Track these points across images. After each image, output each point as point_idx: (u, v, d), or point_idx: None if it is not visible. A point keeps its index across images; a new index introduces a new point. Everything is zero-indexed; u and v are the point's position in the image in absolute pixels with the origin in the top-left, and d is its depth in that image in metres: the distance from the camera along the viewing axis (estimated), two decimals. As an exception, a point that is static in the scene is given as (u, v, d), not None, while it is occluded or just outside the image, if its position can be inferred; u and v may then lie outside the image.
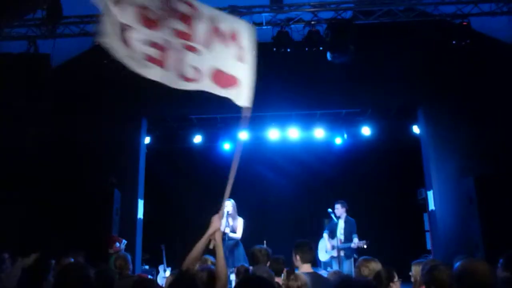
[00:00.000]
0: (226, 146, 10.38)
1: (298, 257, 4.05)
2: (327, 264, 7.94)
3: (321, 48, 6.64)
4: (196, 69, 3.11)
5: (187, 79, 3.11)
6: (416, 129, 8.99)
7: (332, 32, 6.55)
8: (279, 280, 3.72)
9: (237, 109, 9.33)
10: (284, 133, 10.07)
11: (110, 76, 7.40)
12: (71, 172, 7.07)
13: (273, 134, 10.05)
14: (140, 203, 8.23)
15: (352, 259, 7.32)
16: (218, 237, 2.98)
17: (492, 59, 7.61)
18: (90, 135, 7.56)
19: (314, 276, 3.83)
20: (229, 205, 7.71)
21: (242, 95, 3.15)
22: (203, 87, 3.16)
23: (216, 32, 3.13)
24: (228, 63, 3.15)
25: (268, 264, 4.32)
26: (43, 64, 6.02)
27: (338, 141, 10.52)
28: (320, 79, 7.94)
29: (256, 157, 10.63)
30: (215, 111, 9.14)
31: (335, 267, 7.25)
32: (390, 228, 10.08)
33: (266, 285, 2.56)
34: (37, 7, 6.05)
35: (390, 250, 8.51)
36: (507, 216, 6.36)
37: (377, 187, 10.52)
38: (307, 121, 9.98)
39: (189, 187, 10.23)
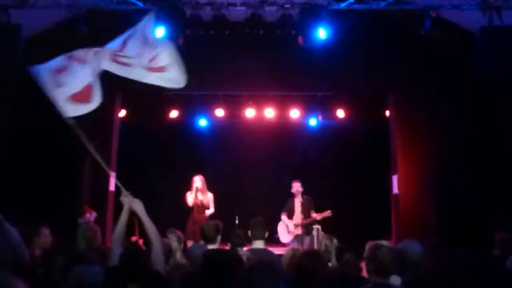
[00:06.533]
0: (202, 122, 10.49)
1: (249, 234, 4.29)
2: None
3: (293, 32, 6.74)
4: None
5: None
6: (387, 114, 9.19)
7: (305, 17, 6.63)
8: None
9: (214, 86, 9.37)
10: (260, 113, 10.19)
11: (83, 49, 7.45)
12: (41, 144, 7.14)
13: (249, 113, 10.17)
14: (112, 176, 8.34)
15: (312, 236, 7.66)
16: (138, 209, 3.50)
17: (463, 49, 7.77)
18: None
19: (259, 252, 4.06)
20: (198, 181, 7.92)
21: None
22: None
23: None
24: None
25: (218, 238, 4.53)
26: (13, 36, 6.00)
27: (313, 122, 10.66)
28: (294, 62, 8.06)
29: (232, 134, 10.79)
30: (191, 88, 9.21)
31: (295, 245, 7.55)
32: (359, 210, 10.36)
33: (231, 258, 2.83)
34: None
35: (356, 231, 8.80)
36: (462, 203, 6.66)
37: (350, 169, 10.75)
38: (283, 102, 10.11)
39: (163, 162, 10.38)
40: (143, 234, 3.59)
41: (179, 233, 5.04)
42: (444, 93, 7.84)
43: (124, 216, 3.53)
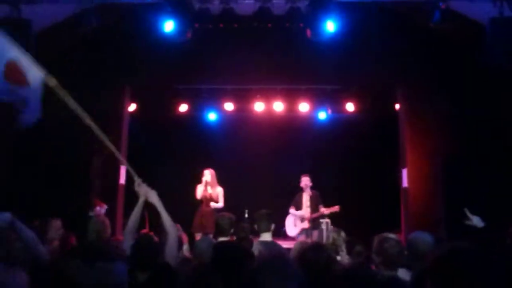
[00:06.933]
0: (211, 116, 10.52)
1: (255, 227, 4.34)
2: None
3: (301, 25, 6.73)
4: None
5: None
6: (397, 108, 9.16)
7: (313, 10, 6.61)
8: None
9: (223, 80, 9.42)
10: (269, 106, 10.19)
11: (92, 43, 7.52)
12: (52, 138, 7.22)
13: (258, 106, 10.17)
14: (123, 169, 8.42)
15: (321, 229, 7.68)
16: (154, 200, 3.50)
17: (473, 41, 7.69)
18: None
19: (268, 244, 4.09)
20: (207, 174, 7.97)
21: None
22: None
23: None
24: None
25: (231, 231, 4.58)
26: (24, 31, 6.07)
27: (322, 116, 10.64)
28: (303, 55, 8.04)
29: (241, 128, 10.83)
30: (201, 82, 9.27)
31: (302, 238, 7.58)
32: (368, 204, 10.35)
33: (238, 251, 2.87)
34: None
35: (366, 225, 8.80)
36: (472, 197, 6.62)
37: (359, 162, 10.74)
38: (292, 96, 10.10)
39: (172, 156, 10.46)
40: (154, 226, 3.65)
41: (177, 225, 5.08)
42: (454, 85, 7.78)
43: (138, 209, 3.55)
